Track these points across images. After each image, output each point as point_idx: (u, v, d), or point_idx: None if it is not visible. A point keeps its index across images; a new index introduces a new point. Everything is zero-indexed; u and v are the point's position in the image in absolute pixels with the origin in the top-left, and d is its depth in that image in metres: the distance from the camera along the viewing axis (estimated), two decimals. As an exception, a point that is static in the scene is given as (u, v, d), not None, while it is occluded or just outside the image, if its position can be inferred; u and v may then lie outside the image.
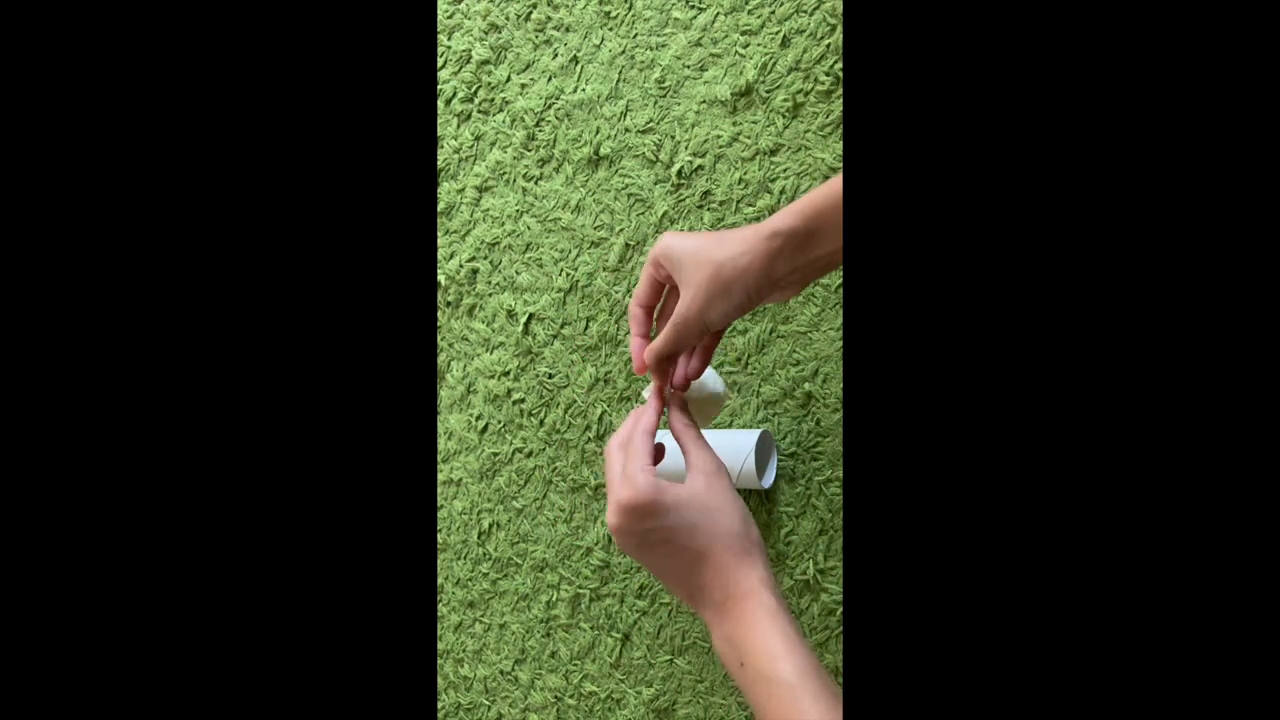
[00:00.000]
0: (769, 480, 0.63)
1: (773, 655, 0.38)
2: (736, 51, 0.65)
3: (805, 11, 0.63)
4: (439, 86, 0.78)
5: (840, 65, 0.61)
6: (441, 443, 0.80)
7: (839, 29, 0.62)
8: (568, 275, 0.73)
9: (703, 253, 0.43)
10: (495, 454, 0.77)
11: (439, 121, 0.78)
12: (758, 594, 0.41)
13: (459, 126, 0.77)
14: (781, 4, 0.64)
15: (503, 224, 0.76)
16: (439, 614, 0.80)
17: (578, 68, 0.72)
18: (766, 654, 0.38)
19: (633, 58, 0.69)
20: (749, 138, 0.65)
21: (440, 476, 0.80)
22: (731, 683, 0.68)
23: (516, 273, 0.75)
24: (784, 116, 0.64)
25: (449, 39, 0.77)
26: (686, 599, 0.43)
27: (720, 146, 0.66)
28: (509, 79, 0.75)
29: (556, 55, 0.72)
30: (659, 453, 0.46)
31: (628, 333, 0.71)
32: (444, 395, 0.79)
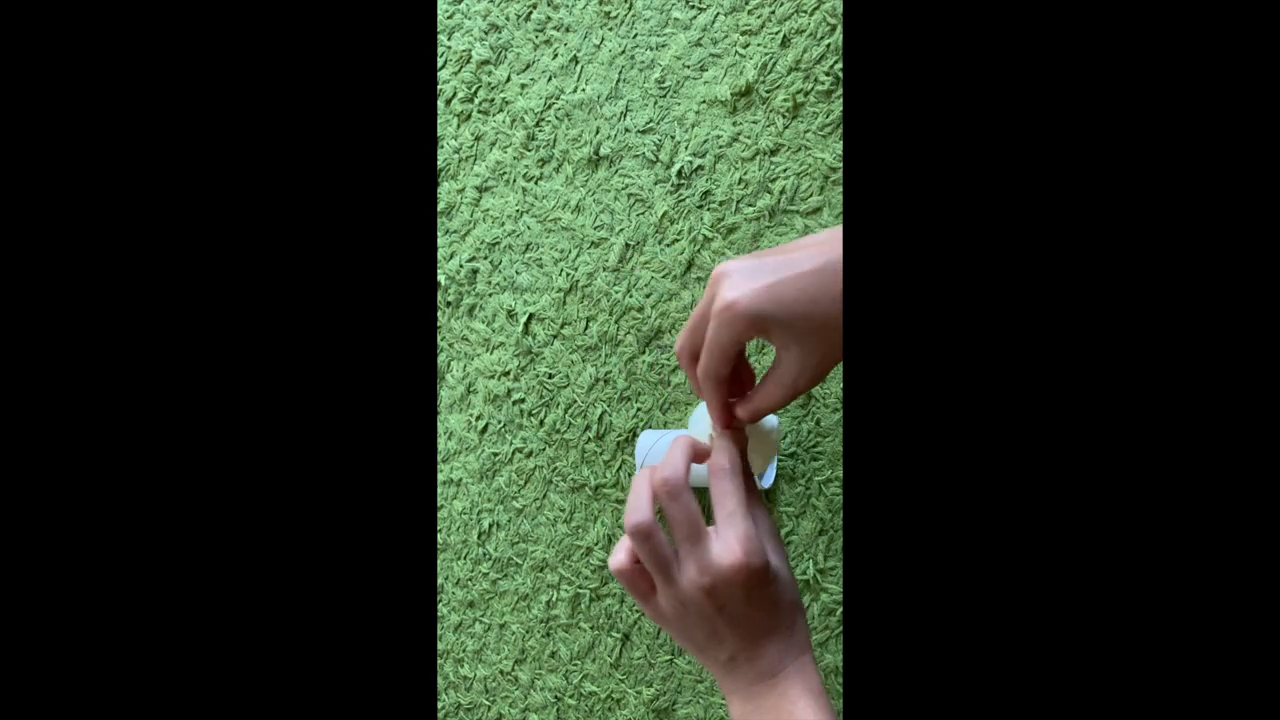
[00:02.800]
0: (769, 480, 0.63)
1: None
2: (736, 51, 0.65)
3: (805, 11, 0.63)
4: (439, 86, 0.78)
5: (840, 65, 0.61)
6: (441, 443, 0.80)
7: (839, 29, 0.62)
8: (568, 275, 0.73)
9: (816, 308, 0.35)
10: (495, 454, 0.77)
11: (439, 121, 0.78)
12: (805, 672, 0.38)
13: (459, 126, 0.77)
14: (781, 4, 0.64)
15: (503, 224, 0.76)
16: (439, 614, 0.80)
17: (578, 68, 0.72)
18: None
19: (633, 58, 0.69)
20: (749, 138, 0.65)
21: (440, 476, 0.80)
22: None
23: (516, 273, 0.75)
24: (784, 116, 0.64)
25: (449, 39, 0.77)
26: (723, 667, 0.39)
27: (720, 146, 0.66)
28: (509, 79, 0.75)
29: (556, 55, 0.72)
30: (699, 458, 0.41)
31: (628, 332, 0.71)
32: (444, 395, 0.79)
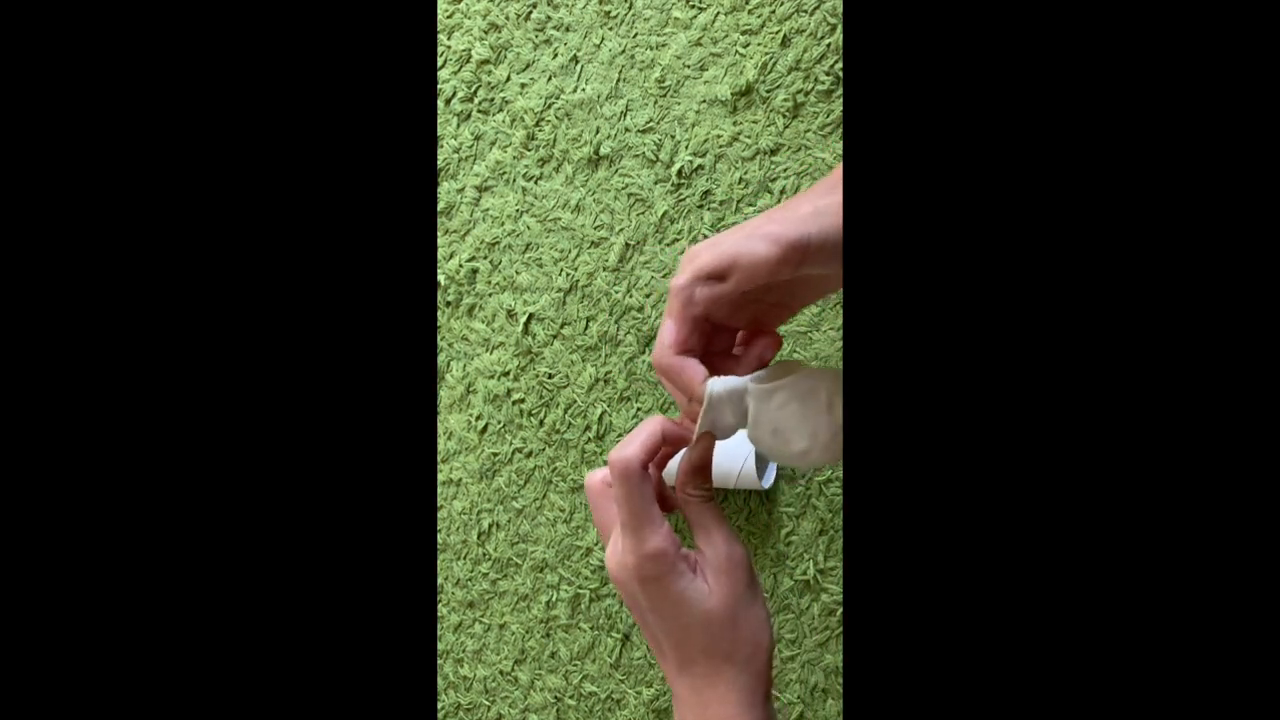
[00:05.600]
0: (769, 480, 0.63)
1: None
2: (737, 51, 0.65)
3: (805, 11, 0.63)
4: (439, 86, 0.78)
5: (840, 65, 0.61)
6: (441, 443, 0.80)
7: (839, 29, 0.61)
8: (568, 275, 0.73)
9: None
10: (495, 454, 0.77)
11: (439, 121, 0.78)
12: None
13: (459, 126, 0.77)
14: (781, 4, 0.64)
15: (503, 224, 0.76)
16: (439, 614, 0.80)
17: (578, 67, 0.72)
18: None
19: (633, 57, 0.69)
20: (749, 137, 0.65)
21: (440, 476, 0.80)
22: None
23: (516, 273, 0.75)
24: (784, 116, 0.64)
25: (449, 39, 0.77)
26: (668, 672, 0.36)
27: (720, 146, 0.66)
28: (509, 79, 0.75)
29: (556, 55, 0.72)
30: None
31: (628, 332, 0.71)
32: (444, 395, 0.79)
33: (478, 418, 0.78)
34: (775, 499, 0.65)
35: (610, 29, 0.70)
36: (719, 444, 0.60)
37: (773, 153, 0.64)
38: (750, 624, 0.34)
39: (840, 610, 0.63)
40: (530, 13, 0.73)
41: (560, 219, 0.73)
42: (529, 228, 0.74)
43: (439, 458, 0.80)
